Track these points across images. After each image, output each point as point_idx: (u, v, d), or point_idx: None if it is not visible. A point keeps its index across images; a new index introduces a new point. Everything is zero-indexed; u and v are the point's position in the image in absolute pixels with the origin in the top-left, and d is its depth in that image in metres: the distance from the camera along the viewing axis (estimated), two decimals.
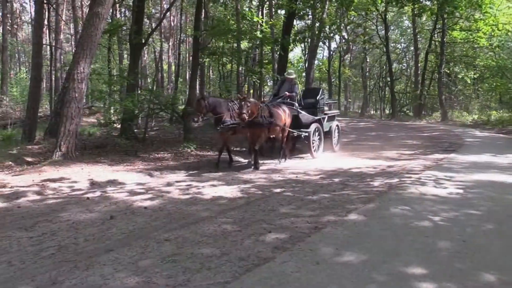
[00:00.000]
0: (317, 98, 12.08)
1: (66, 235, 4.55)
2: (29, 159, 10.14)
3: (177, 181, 7.79)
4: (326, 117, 12.35)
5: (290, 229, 4.70)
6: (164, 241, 4.30)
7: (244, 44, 22.25)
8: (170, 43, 37.07)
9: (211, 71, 35.03)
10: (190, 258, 3.81)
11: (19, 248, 4.16)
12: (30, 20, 33.85)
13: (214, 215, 5.37)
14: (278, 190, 7.01)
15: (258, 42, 18.69)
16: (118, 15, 26.46)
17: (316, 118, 11.74)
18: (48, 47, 22.33)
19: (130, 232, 4.69)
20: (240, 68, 22.73)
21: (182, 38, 32.55)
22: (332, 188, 7.08)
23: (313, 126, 11.27)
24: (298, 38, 20.85)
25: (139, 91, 15.65)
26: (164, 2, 33.44)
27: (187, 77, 33.15)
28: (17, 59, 42.49)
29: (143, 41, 16.22)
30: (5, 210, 5.78)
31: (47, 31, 24.22)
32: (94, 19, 10.20)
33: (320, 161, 10.75)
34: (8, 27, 28.68)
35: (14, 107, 22.06)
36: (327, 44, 43.83)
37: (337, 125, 13.24)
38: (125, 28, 19.62)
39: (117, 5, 23.38)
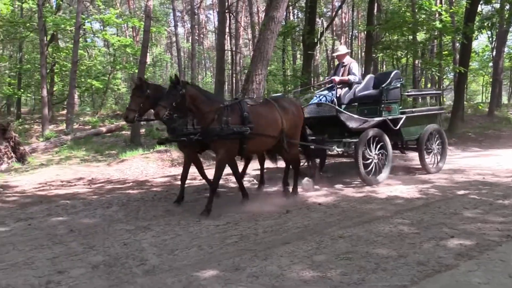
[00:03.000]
0: (382, 87, 7.53)
1: (247, 226, 4.90)
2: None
3: (350, 179, 7.72)
4: (404, 117, 7.72)
5: (476, 235, 4.26)
6: (338, 238, 4.30)
7: (420, 36, 20.96)
8: (342, 41, 37.00)
9: (384, 66, 33.88)
10: (365, 257, 3.74)
11: (207, 235, 4.63)
12: (213, 29, 37.30)
13: (390, 215, 5.18)
14: (461, 192, 6.42)
15: (436, 33, 17.41)
16: (291, 17, 27.43)
17: (374, 120, 7.38)
18: (229, 52, 24.28)
19: (305, 226, 4.81)
20: (417, 62, 21.48)
21: (354, 34, 32.21)
22: None
23: (366, 134, 7.15)
24: (486, 24, 18.73)
25: (312, 90, 15.97)
26: (335, 0, 33.53)
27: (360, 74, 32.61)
28: (203, 65, 47.20)
29: (316, 41, 16.49)
30: (194, 201, 6.47)
31: (228, 37, 26.37)
32: (270, 23, 10.74)
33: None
34: (195, 37, 32.04)
35: None
36: None
37: (436, 131, 8.39)
38: (298, 29, 20.23)
39: (290, 8, 24.24)
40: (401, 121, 7.63)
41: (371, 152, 7.17)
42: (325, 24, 21.65)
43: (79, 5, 16.97)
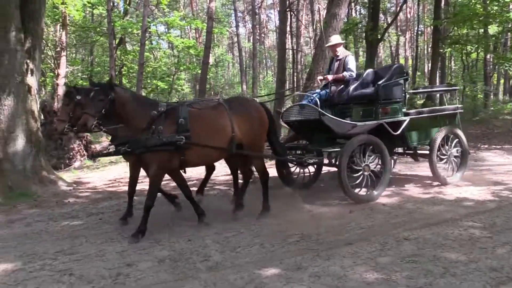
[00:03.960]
0: (378, 84, 6.31)
1: (308, 225, 4.86)
2: None
3: (415, 179, 7.46)
4: (407, 120, 6.40)
5: None
6: (403, 240, 4.17)
7: (492, 29, 19.84)
8: (407, 36, 35.80)
9: (452, 61, 32.40)
10: (432, 261, 3.60)
11: (269, 233, 4.66)
12: (275, 28, 37.40)
13: (459, 217, 4.95)
14: None
15: (510, 25, 16.41)
16: (353, 14, 26.93)
17: (365, 124, 6.17)
18: (291, 51, 24.22)
19: (368, 227, 4.71)
20: (488, 56, 20.36)
21: (420, 29, 31.07)
22: None
23: (353, 142, 5.94)
24: None
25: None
26: None
27: (426, 70, 31.45)
28: (264, 64, 47.45)
29: (379, 37, 16.09)
30: (256, 199, 6.50)
31: (289, 36, 26.31)
32: (332, 20, 10.61)
33: None
34: (257, 36, 32.32)
35: None
36: None
37: (453, 133, 6.98)
38: (360, 25, 19.82)
39: (353, 4, 23.80)
40: (404, 125, 6.35)
41: (360, 163, 6.00)
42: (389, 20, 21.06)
43: (145, 9, 17.60)
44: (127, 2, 22.31)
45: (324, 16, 16.62)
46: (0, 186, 7.23)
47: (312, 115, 6.12)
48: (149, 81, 23.30)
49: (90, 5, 19.63)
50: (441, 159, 6.85)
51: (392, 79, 6.40)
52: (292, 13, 20.82)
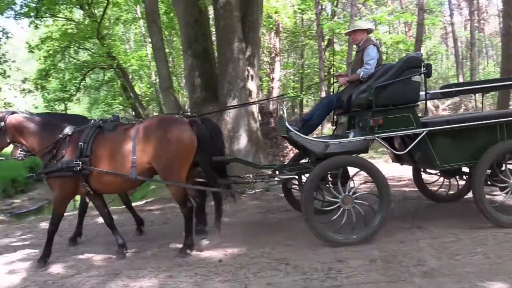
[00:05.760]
0: (368, 85, 4.72)
1: None
2: None
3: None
4: (425, 131, 4.48)
5: None
6: None
7: None
8: None
9: None
10: None
11: (495, 243, 4.18)
12: (497, 12, 33.39)
13: None
14: None
15: None
16: None
17: (343, 141, 4.58)
18: None
19: None
20: None
21: None
22: None
23: (321, 166, 4.46)
24: None
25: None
26: None
27: None
28: (484, 54, 42.77)
29: None
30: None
31: None
32: None
33: None
34: (475, 24, 29.32)
35: None
36: None
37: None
38: None
39: None
40: (417, 140, 4.52)
41: (338, 194, 4.49)
42: None
43: (352, 8, 17.76)
44: (335, 4, 22.80)
45: None
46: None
47: (283, 131, 4.94)
48: None
49: (300, 11, 20.74)
50: (500, 188, 4.80)
51: (400, 75, 4.59)
52: None
